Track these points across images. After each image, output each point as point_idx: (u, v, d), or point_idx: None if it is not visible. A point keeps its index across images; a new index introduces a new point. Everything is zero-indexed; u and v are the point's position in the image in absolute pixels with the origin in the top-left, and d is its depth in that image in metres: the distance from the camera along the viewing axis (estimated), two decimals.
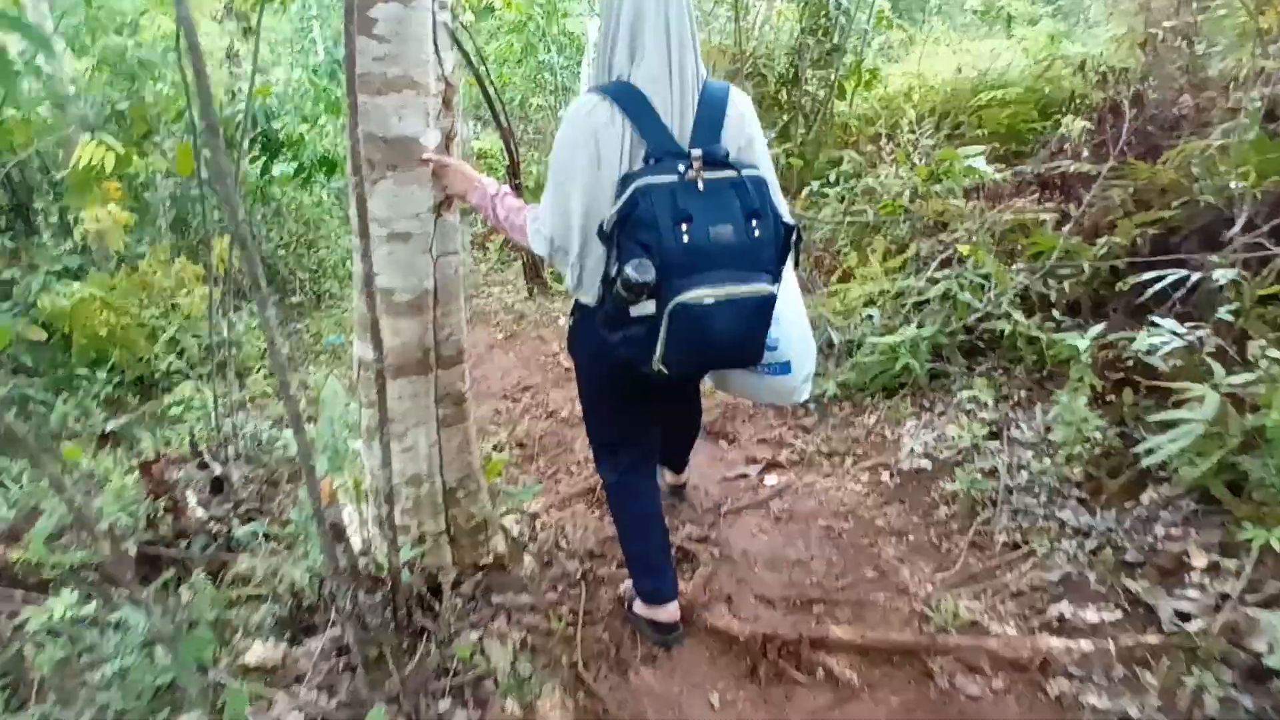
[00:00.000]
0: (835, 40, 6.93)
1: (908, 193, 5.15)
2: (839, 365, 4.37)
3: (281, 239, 8.05)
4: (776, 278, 1.98)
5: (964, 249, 4.08)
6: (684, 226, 1.86)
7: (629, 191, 1.89)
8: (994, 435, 3.53)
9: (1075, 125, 5.08)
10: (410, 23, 2.30)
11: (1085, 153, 4.79)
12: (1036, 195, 4.71)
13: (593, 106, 1.97)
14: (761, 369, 2.36)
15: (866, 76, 7.03)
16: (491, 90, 6.60)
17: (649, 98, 1.96)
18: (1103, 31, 8.65)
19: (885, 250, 4.64)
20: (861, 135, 7.26)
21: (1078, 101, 5.33)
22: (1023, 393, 3.73)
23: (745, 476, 3.62)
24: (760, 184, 1.97)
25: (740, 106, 2.09)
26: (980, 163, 5.20)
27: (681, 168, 1.90)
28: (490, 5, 9.67)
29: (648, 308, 1.92)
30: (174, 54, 8.48)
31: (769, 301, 1.97)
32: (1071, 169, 4.23)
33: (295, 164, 7.65)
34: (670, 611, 2.51)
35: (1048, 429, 3.46)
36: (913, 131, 6.23)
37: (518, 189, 6.99)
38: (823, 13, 6.88)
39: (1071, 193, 4.65)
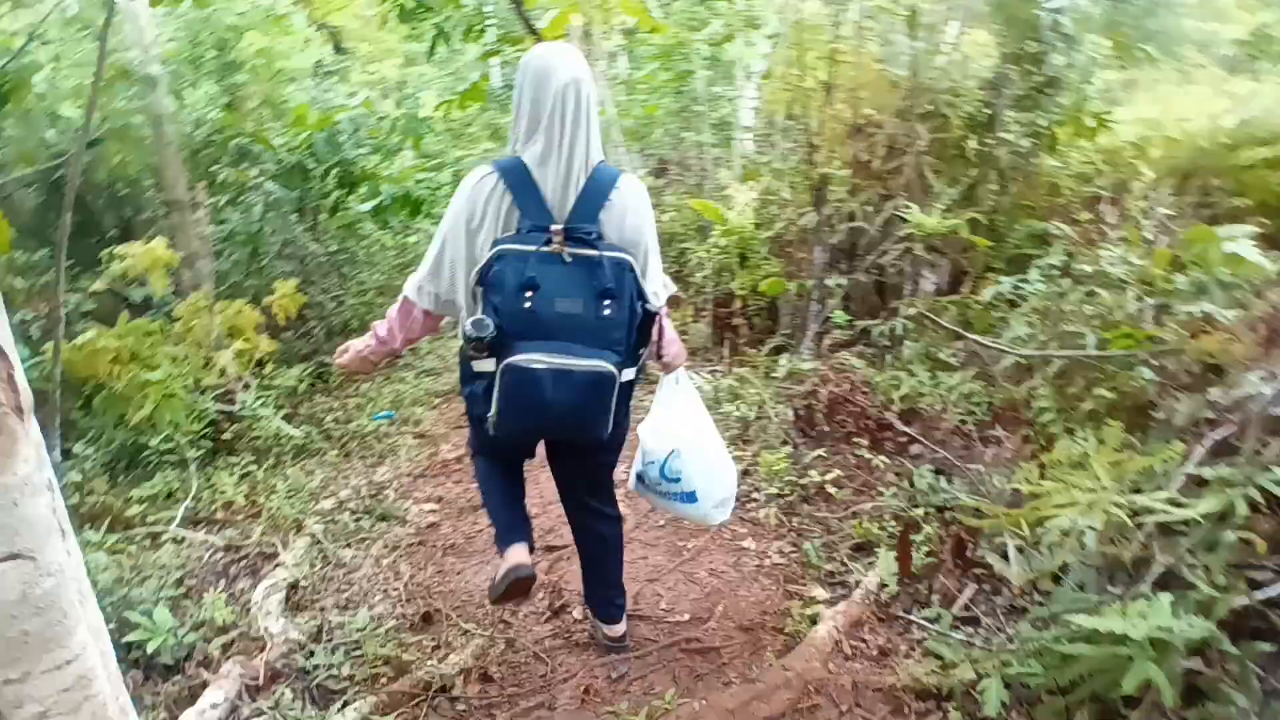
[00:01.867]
0: (1048, 73, 4.93)
1: (1148, 308, 3.16)
2: (1009, 622, 2.47)
3: (356, 286, 6.80)
4: (626, 359, 2.04)
5: None
6: (529, 293, 1.94)
7: (490, 254, 1.98)
8: None
9: None
10: None
11: None
12: None
13: (481, 178, 2.05)
14: (668, 496, 2.46)
15: (1092, 122, 4.98)
16: None
17: (534, 175, 2.01)
18: None
19: (1116, 420, 2.68)
20: (1073, 200, 5.26)
21: None
22: None
23: None
24: (620, 266, 2.00)
25: (627, 195, 2.07)
26: (1248, 249, 3.19)
27: (544, 240, 1.96)
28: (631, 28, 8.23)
29: (488, 365, 2.01)
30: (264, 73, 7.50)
31: (606, 379, 1.98)
32: None
33: (376, 201, 6.34)
34: (525, 553, 2.44)
35: None
36: (1145, 198, 4.26)
37: None
38: (1032, 36, 4.91)
39: None
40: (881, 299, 4.94)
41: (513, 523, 2.50)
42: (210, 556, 3.85)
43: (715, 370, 5.72)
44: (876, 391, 3.93)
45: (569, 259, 1.96)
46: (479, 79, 4.71)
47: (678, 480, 2.40)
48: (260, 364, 5.99)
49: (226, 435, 4.97)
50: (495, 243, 1.98)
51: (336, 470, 4.63)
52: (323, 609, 3.31)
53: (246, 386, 5.44)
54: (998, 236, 4.75)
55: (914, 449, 3.63)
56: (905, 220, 4.67)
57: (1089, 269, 3.66)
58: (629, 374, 2.08)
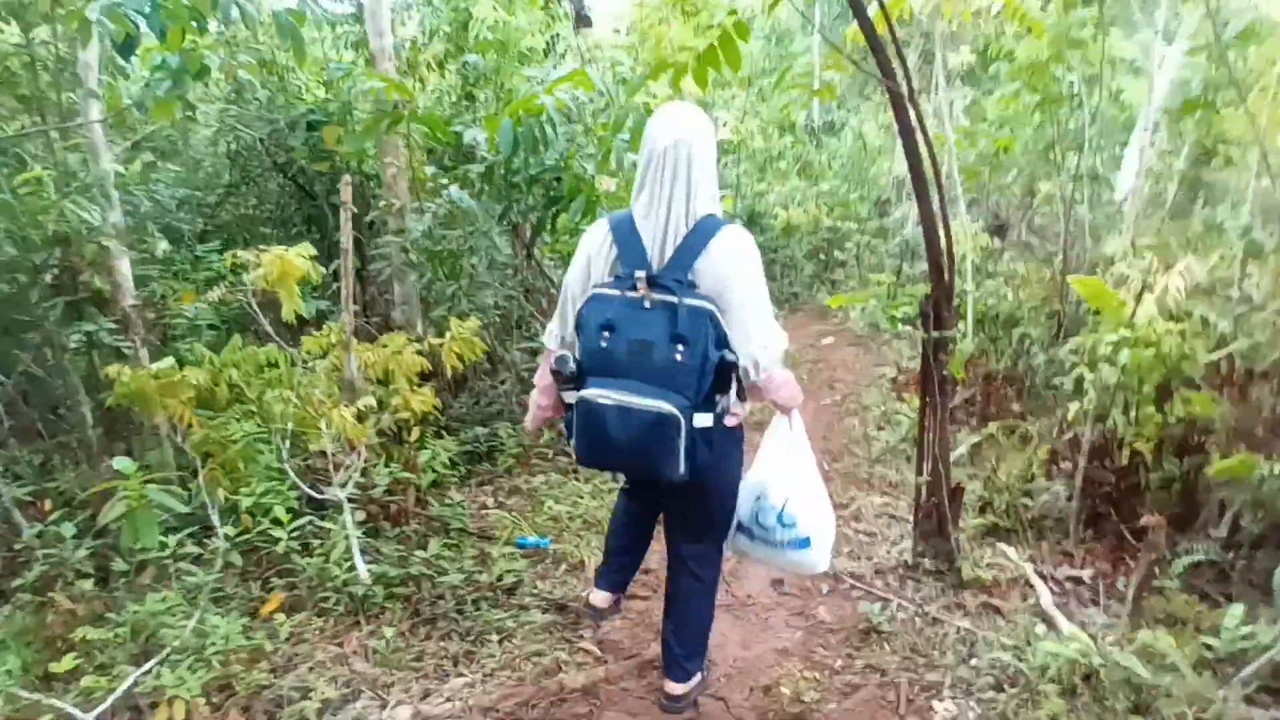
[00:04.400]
0: None
1: None
2: None
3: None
4: (697, 404, 2.00)
5: None
6: (606, 333, 2.01)
7: (585, 296, 2.10)
8: None
9: None
10: None
11: None
12: None
13: (595, 229, 2.19)
14: (781, 545, 2.36)
15: None
16: (930, 166, 2.73)
17: (639, 227, 2.09)
18: None
19: None
20: None
21: None
22: None
23: None
24: (698, 314, 1.98)
25: (726, 245, 2.06)
26: None
27: (630, 284, 2.02)
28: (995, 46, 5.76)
29: (572, 397, 2.09)
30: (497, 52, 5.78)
31: (668, 420, 1.96)
32: None
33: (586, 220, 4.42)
34: (601, 598, 2.72)
35: None
36: None
37: (940, 345, 3.00)
38: None
39: None
40: None
41: (607, 560, 2.76)
42: None
43: (1074, 580, 3.15)
44: None
45: (648, 304, 1.99)
46: (734, 23, 2.51)
47: (793, 526, 2.32)
48: (408, 428, 4.22)
49: (281, 546, 3.15)
50: (593, 287, 2.09)
51: (383, 665, 2.64)
52: None
53: (354, 464, 3.65)
54: None
55: None
56: None
57: None
58: (703, 419, 2.02)
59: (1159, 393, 3.28)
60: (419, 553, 3.26)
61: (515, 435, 4.58)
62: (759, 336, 2.06)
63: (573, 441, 2.10)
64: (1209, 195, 5.76)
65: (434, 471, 3.91)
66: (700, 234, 2.05)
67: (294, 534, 3.22)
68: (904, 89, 2.65)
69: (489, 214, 4.71)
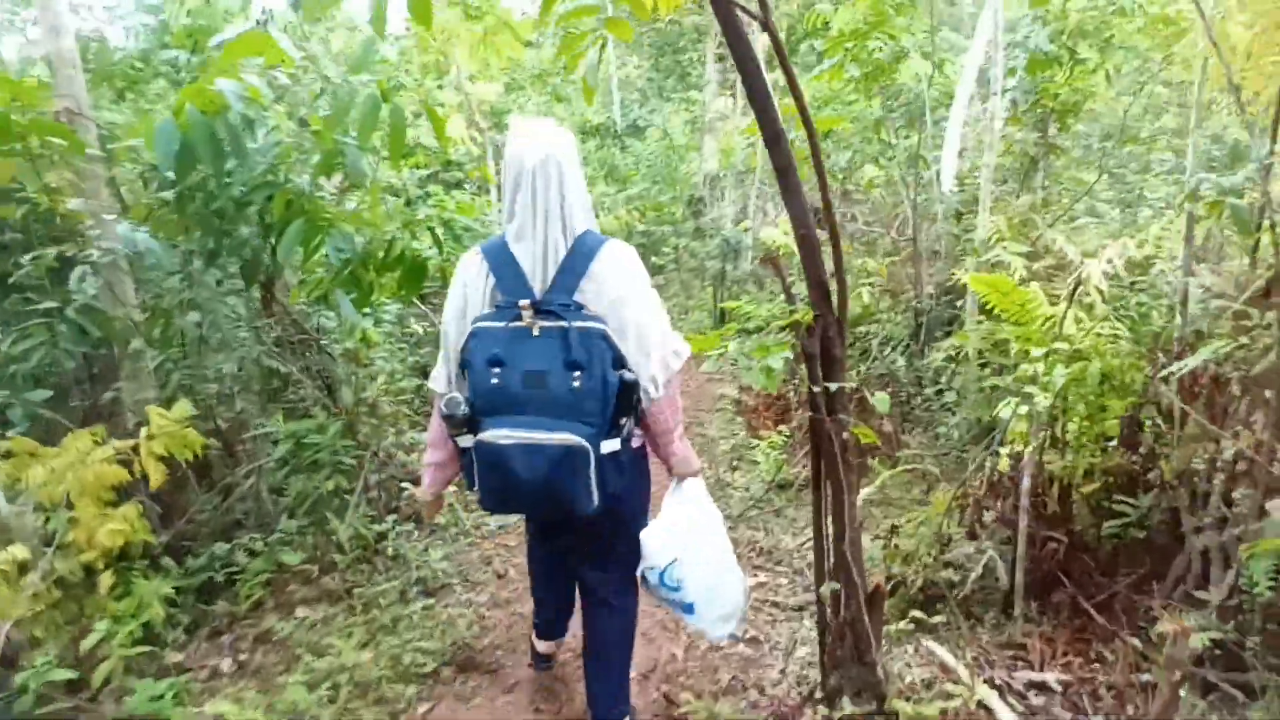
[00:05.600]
0: None
1: None
2: None
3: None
4: (603, 430, 1.83)
5: None
6: (496, 369, 1.83)
7: (467, 333, 1.88)
8: None
9: None
10: None
11: None
12: None
13: (468, 260, 1.97)
14: (668, 603, 2.15)
15: None
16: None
17: (514, 252, 1.90)
18: None
19: None
20: None
21: None
22: None
23: None
24: (589, 335, 1.81)
25: (610, 262, 1.87)
26: None
27: (514, 315, 1.83)
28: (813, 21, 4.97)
29: (468, 441, 1.89)
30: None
31: (578, 452, 1.80)
32: None
33: (341, 256, 3.21)
34: (544, 645, 2.62)
35: None
36: None
37: (837, 400, 2.02)
38: None
39: None
40: None
41: (538, 609, 2.57)
42: None
43: (1039, 688, 2.28)
44: None
45: (537, 332, 1.81)
46: None
47: (677, 590, 2.09)
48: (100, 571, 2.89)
49: None
50: (473, 321, 1.88)
51: None
52: None
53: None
54: None
55: None
56: None
57: None
58: (610, 445, 1.85)
59: (1098, 417, 2.47)
60: None
61: (266, 551, 3.30)
62: (658, 353, 1.89)
63: (475, 489, 1.93)
64: (1048, 166, 5.21)
65: (127, 642, 2.60)
66: (581, 253, 1.88)
67: None
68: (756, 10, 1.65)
69: (200, 254, 3.41)
